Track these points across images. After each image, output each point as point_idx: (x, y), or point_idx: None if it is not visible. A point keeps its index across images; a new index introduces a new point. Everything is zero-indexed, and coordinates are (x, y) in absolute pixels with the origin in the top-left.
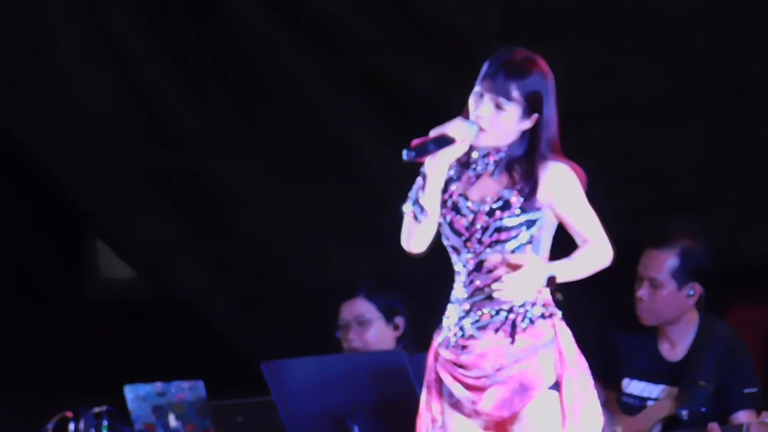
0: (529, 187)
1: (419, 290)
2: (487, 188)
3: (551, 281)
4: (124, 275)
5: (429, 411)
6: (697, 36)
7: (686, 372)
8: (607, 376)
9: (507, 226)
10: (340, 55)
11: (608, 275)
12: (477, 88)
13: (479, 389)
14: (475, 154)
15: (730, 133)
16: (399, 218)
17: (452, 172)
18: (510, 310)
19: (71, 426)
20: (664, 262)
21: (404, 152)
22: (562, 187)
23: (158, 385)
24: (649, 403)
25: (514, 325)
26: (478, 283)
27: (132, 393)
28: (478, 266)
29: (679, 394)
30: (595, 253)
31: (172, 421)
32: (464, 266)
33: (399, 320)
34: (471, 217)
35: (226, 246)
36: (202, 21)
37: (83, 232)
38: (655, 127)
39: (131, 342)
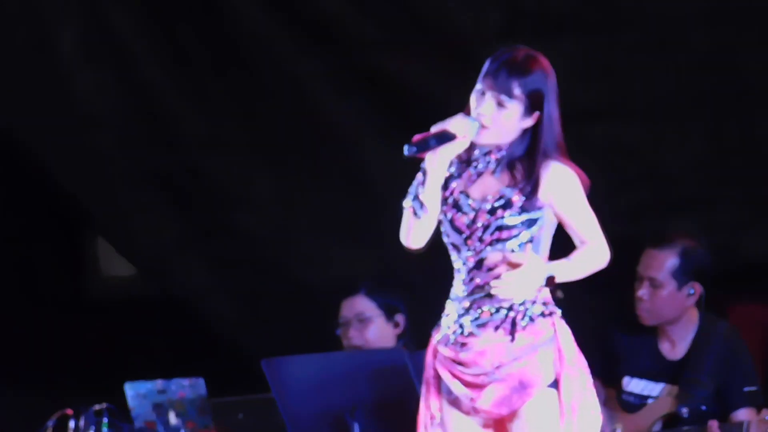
0: (530, 186)
1: (419, 289)
2: (489, 186)
3: (550, 281)
4: (125, 274)
5: (427, 408)
6: (697, 36)
7: (686, 371)
8: (607, 374)
9: (508, 224)
10: (340, 55)
11: (608, 275)
12: (479, 86)
13: (478, 387)
14: (476, 152)
15: (730, 133)
16: (399, 218)
17: (453, 170)
18: (510, 308)
19: (71, 423)
20: (664, 262)
21: (405, 147)
22: (562, 187)
23: (159, 383)
24: (650, 401)
25: (514, 323)
26: (478, 280)
27: (132, 390)
28: (479, 264)
29: (679, 393)
30: (593, 254)
31: (173, 418)
32: (464, 264)
33: (399, 318)
34: (472, 214)
35: (226, 245)
36: (202, 21)
37: (84, 231)
38: (655, 127)
39: (132, 340)
